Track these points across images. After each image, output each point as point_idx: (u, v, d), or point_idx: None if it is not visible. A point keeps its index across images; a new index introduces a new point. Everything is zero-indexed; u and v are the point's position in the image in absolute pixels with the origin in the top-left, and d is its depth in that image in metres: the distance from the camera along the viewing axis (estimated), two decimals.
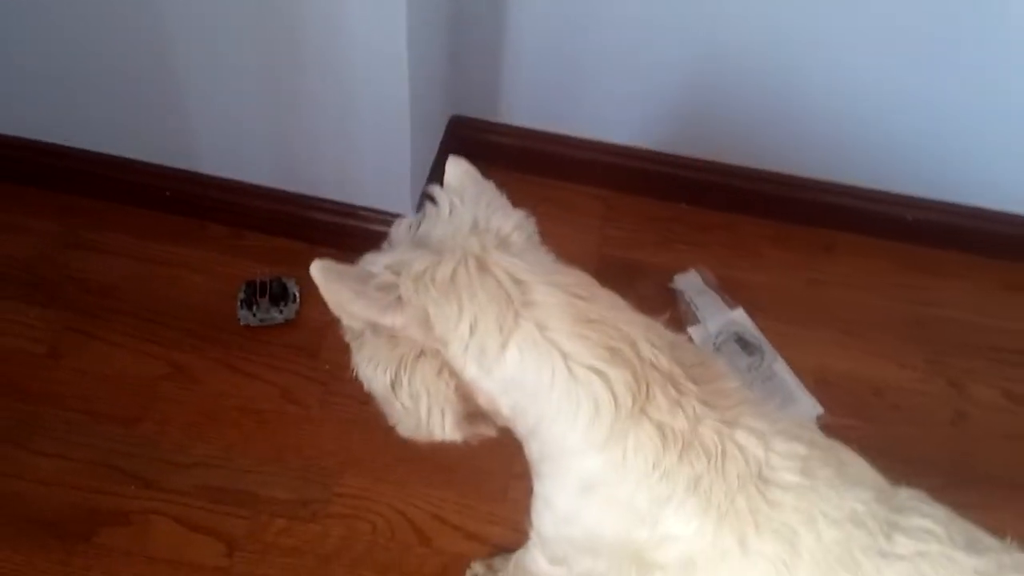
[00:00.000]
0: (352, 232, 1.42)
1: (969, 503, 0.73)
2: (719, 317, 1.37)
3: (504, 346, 0.71)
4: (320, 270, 0.71)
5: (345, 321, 0.75)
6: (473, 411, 0.78)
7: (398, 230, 0.79)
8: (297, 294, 1.36)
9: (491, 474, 1.17)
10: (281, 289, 1.36)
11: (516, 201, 1.59)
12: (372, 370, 0.76)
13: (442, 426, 0.77)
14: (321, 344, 1.33)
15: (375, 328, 0.74)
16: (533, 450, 0.78)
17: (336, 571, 1.07)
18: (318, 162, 1.37)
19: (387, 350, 0.74)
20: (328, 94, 1.24)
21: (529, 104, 1.52)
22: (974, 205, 1.48)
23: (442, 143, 1.50)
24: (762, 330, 1.38)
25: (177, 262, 1.42)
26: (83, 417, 1.22)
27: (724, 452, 0.70)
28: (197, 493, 1.13)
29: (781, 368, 1.33)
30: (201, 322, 1.34)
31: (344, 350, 1.28)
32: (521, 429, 0.77)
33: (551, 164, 1.57)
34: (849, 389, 1.33)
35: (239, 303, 1.35)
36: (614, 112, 1.51)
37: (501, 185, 1.60)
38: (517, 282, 0.71)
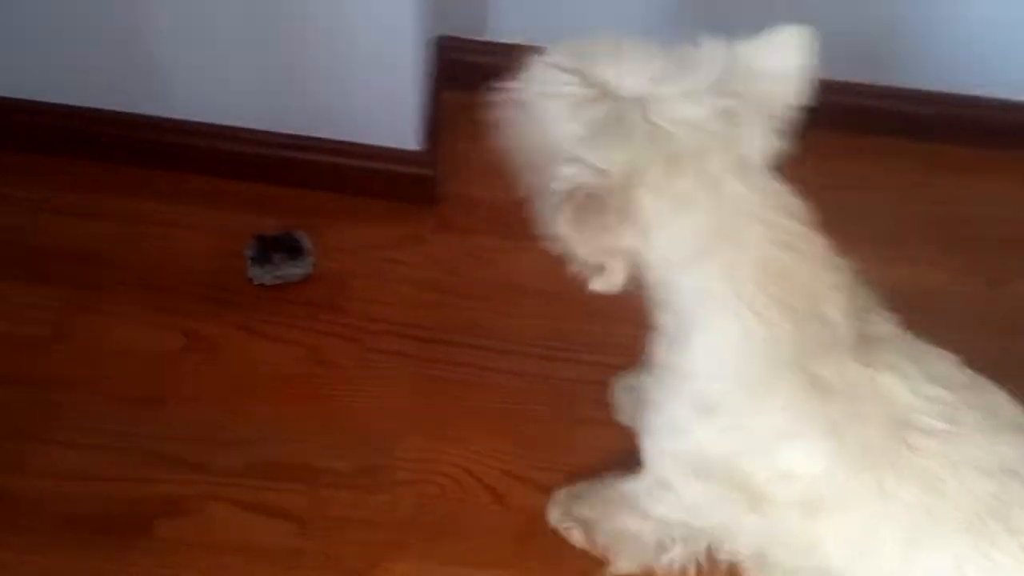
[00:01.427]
0: (354, 173, 1.34)
1: None
2: None
3: (694, 262, 0.70)
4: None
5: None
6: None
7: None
8: (310, 246, 1.28)
9: (554, 422, 1.14)
10: (294, 242, 1.28)
11: None
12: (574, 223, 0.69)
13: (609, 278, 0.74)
14: (345, 297, 1.26)
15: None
16: (666, 337, 0.78)
17: (413, 541, 1.04)
18: (310, 97, 1.27)
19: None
20: (319, 16, 1.12)
21: (520, 17, 1.42)
22: (996, 97, 1.46)
23: (432, 68, 1.40)
24: None
25: (170, 221, 1.31)
26: (104, 401, 1.13)
27: (865, 395, 0.69)
28: (249, 472, 1.08)
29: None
30: (210, 284, 1.25)
31: (371, 300, 1.24)
32: (669, 320, 0.77)
33: None
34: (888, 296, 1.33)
35: (249, 261, 1.26)
36: (615, 16, 1.42)
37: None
38: (735, 208, 0.69)
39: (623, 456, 0.98)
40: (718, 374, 0.75)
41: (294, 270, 1.26)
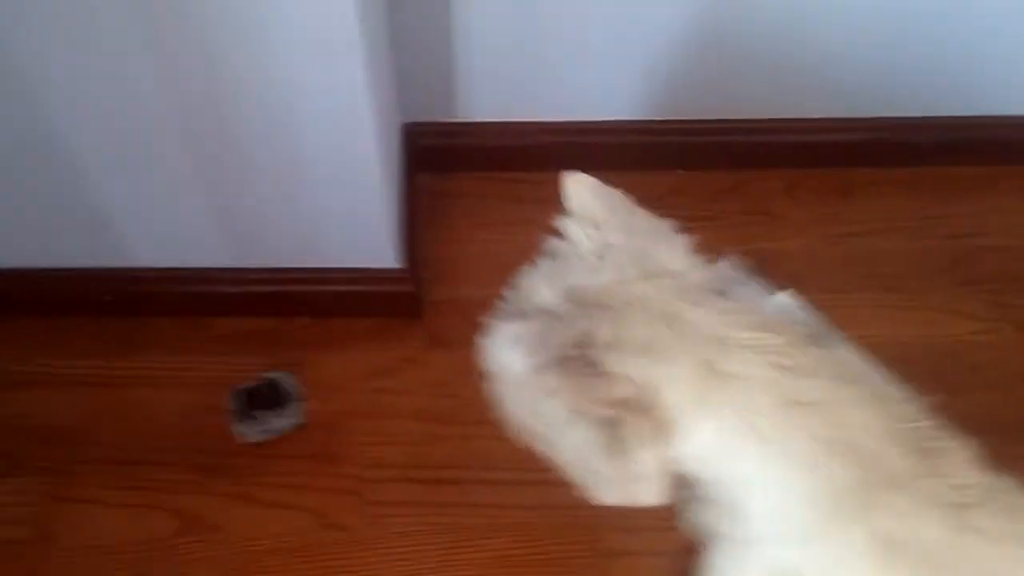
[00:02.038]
0: (332, 300, 1.24)
1: None
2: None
3: (703, 420, 0.64)
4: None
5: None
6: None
7: (531, 283, 0.74)
8: (295, 389, 1.19)
9: (589, 558, 1.08)
10: (277, 390, 1.18)
11: (509, 205, 1.41)
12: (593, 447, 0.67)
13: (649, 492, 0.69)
14: (340, 443, 1.17)
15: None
16: (717, 520, 0.72)
17: None
18: (273, 230, 1.15)
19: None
20: (277, 153, 1.02)
21: (487, 97, 1.31)
22: (985, 114, 1.37)
23: (403, 158, 1.28)
24: (812, 308, 1.28)
25: (141, 379, 1.21)
26: None
27: (951, 562, 0.62)
28: None
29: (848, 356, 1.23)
30: (195, 449, 1.16)
31: (368, 442, 1.15)
32: (718, 491, 0.70)
33: (528, 156, 1.38)
34: (920, 359, 1.25)
35: (233, 417, 1.17)
36: (582, 89, 1.31)
37: (482, 194, 1.43)
38: (716, 341, 0.64)
39: None
40: (775, 537, 0.69)
41: (282, 422, 1.17)
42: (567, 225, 0.72)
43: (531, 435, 0.75)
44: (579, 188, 0.74)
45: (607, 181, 1.39)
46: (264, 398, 1.17)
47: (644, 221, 0.74)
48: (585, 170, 1.37)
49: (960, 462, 0.67)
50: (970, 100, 1.34)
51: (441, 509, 1.13)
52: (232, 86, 0.91)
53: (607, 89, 1.31)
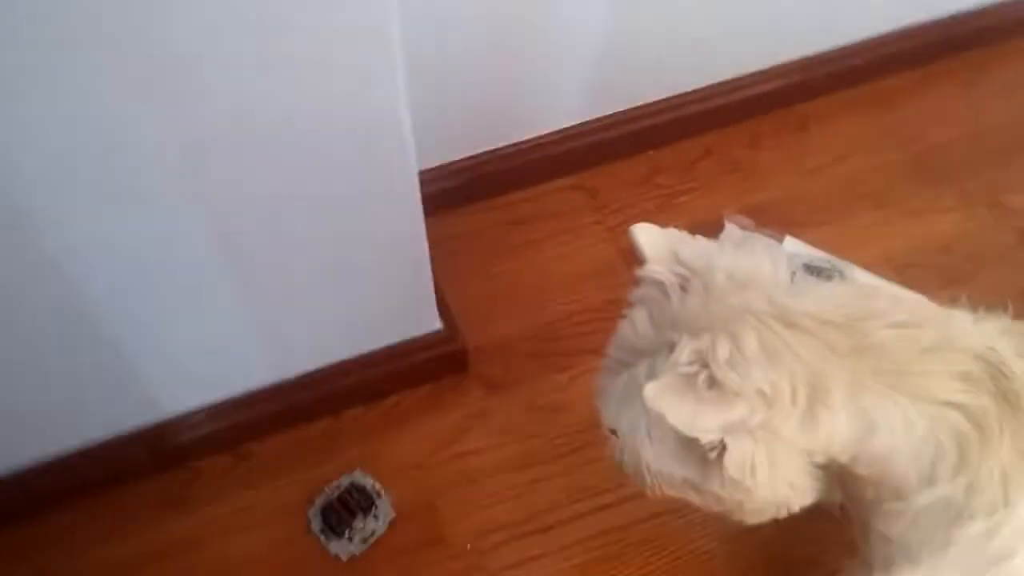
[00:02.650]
0: (383, 379, 1.17)
1: None
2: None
3: (838, 407, 0.66)
4: (657, 393, 0.64)
5: (702, 437, 0.67)
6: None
7: (631, 328, 0.73)
8: (377, 486, 1.11)
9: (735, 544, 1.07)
10: (354, 494, 1.10)
11: (510, 229, 1.36)
12: (742, 473, 0.68)
13: (803, 495, 0.72)
14: (440, 523, 1.11)
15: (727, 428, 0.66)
16: (869, 495, 0.74)
17: None
18: (318, 330, 1.07)
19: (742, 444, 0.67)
20: (323, 247, 0.94)
21: (448, 137, 1.27)
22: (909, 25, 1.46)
23: None
24: (815, 245, 1.33)
25: (216, 530, 1.10)
26: None
27: None
28: None
29: (863, 276, 1.28)
30: None
31: (468, 513, 1.10)
32: (859, 487, 0.74)
33: (511, 177, 1.36)
34: (921, 262, 1.32)
35: (323, 537, 1.08)
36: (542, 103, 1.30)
37: (474, 231, 1.38)
38: (827, 324, 0.66)
39: None
40: (933, 481, 0.70)
41: (375, 524, 1.09)
42: (647, 270, 0.73)
43: (666, 483, 0.75)
44: (645, 234, 0.74)
45: (590, 180, 1.40)
46: (346, 506, 1.09)
47: (709, 244, 0.75)
48: (571, 173, 1.38)
49: None
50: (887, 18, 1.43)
51: (567, 551, 1.09)
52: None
53: (566, 93, 1.30)
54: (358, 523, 1.08)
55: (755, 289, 0.70)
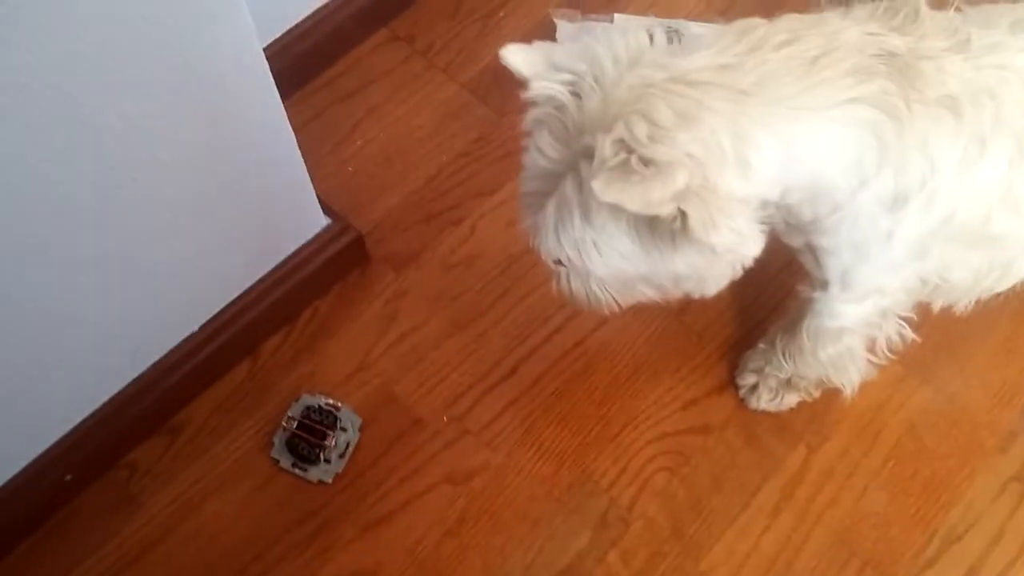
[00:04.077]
0: (285, 302, 1.08)
1: None
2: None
3: (761, 144, 0.67)
4: (605, 183, 0.63)
5: (662, 212, 0.66)
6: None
7: (541, 156, 0.70)
8: (324, 400, 1.05)
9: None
10: (318, 412, 1.04)
11: (349, 100, 1.24)
12: (706, 233, 0.67)
13: (754, 243, 0.73)
14: (411, 410, 1.07)
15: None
16: (807, 216, 0.77)
17: None
18: (208, 270, 0.96)
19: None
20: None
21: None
22: None
23: None
24: (643, 12, 1.32)
25: (175, 515, 1.01)
26: None
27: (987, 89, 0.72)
28: None
29: (697, 28, 1.29)
30: (289, 527, 1.01)
31: (432, 390, 1.07)
32: (796, 212, 0.77)
33: (317, 58, 1.25)
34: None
35: (296, 470, 1.02)
36: None
37: (310, 118, 1.26)
38: (724, 69, 0.67)
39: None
40: (874, 173, 0.73)
41: (347, 436, 1.04)
42: (534, 89, 0.69)
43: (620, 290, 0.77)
44: (517, 55, 0.71)
45: (404, 24, 1.31)
46: (310, 431, 1.03)
47: (580, 42, 0.72)
48: (380, 26, 1.28)
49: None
50: None
51: (538, 384, 1.09)
52: None
53: None
54: (329, 441, 1.02)
55: (645, 64, 0.68)
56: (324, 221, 1.06)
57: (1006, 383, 1.06)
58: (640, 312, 1.11)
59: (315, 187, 1.16)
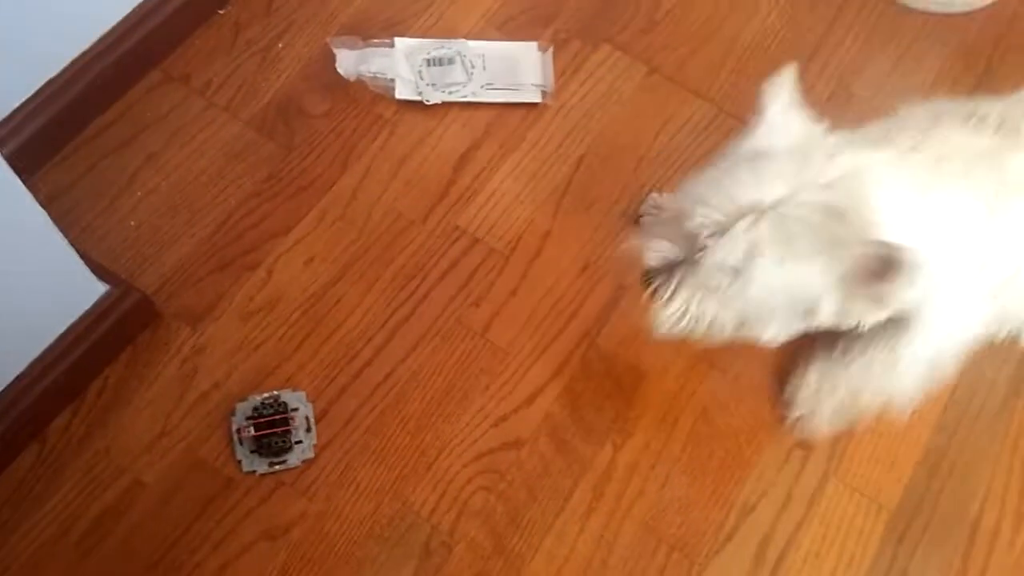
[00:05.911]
0: (68, 377, 1.03)
1: None
2: (397, 63, 1.28)
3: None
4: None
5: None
6: None
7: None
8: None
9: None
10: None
11: (122, 153, 1.21)
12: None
13: None
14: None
15: None
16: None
17: None
18: None
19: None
20: None
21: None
22: None
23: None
24: (423, 35, 1.32)
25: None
26: None
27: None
28: None
29: (477, 46, 1.31)
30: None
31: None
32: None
33: (84, 108, 1.19)
34: (514, 14, 1.36)
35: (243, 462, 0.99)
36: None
37: (81, 174, 1.20)
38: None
39: None
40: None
41: (303, 411, 1.06)
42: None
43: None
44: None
45: (178, 64, 1.25)
46: (272, 426, 1.04)
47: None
48: (152, 68, 1.23)
49: None
50: None
51: (350, 427, 1.08)
52: None
53: None
54: (292, 423, 1.04)
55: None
56: (101, 288, 1.01)
57: (784, 356, 1.14)
58: (447, 335, 1.14)
59: (93, 248, 1.12)
